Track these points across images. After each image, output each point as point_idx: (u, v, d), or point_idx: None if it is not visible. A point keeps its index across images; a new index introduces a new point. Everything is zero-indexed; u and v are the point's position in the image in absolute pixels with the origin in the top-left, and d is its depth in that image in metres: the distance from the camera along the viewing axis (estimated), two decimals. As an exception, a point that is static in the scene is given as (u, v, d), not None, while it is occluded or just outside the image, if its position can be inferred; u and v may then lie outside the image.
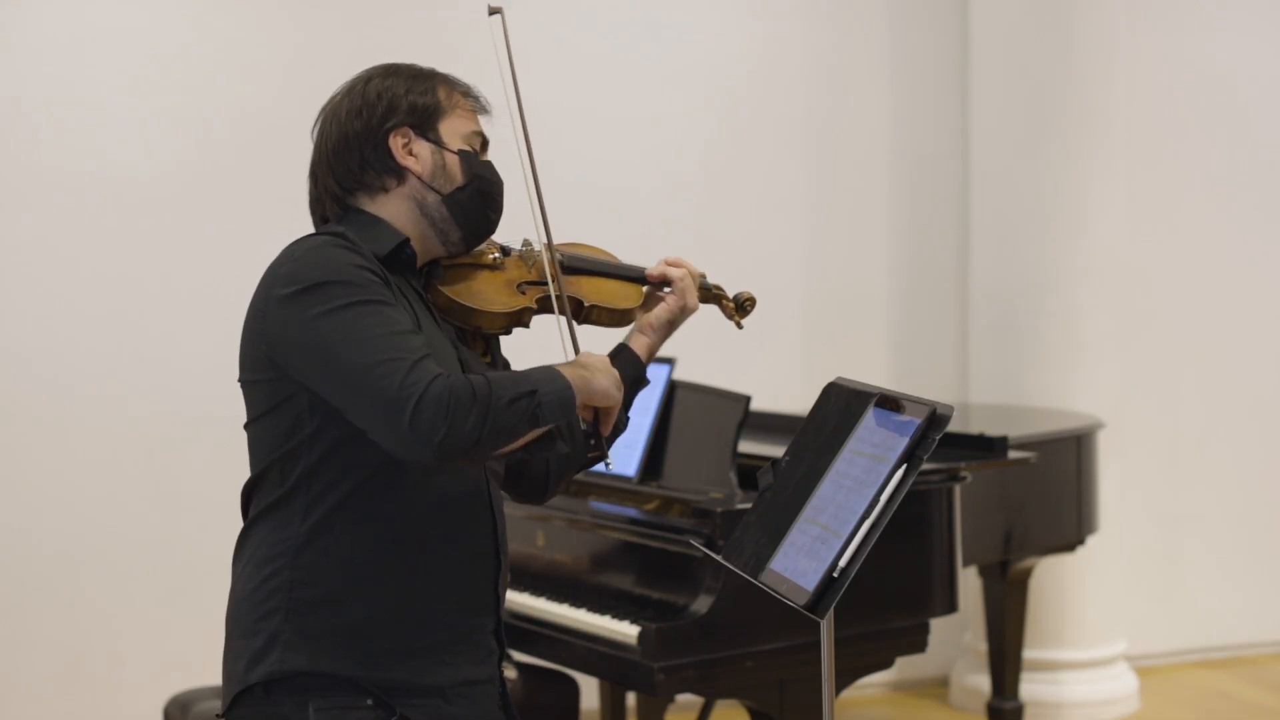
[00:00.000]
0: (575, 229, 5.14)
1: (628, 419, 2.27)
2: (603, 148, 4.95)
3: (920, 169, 5.41)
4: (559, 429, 2.02)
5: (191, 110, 4.52)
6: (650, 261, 2.38)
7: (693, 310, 2.32)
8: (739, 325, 2.45)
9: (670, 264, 2.32)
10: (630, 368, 2.25)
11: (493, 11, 2.20)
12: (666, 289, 2.31)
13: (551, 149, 4.75)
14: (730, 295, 2.43)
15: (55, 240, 4.41)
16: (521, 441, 1.98)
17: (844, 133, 5.31)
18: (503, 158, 2.24)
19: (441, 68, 2.29)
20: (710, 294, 2.41)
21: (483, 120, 2.23)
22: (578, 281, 2.26)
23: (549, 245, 2.20)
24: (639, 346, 2.29)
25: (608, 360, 2.13)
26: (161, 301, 4.48)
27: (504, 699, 2.20)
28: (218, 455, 4.42)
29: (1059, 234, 4.99)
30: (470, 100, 2.22)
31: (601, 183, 4.93)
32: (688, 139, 5.09)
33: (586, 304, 2.25)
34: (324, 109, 2.19)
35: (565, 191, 4.73)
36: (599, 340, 2.35)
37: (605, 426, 2.12)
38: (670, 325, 2.31)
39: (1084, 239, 4.99)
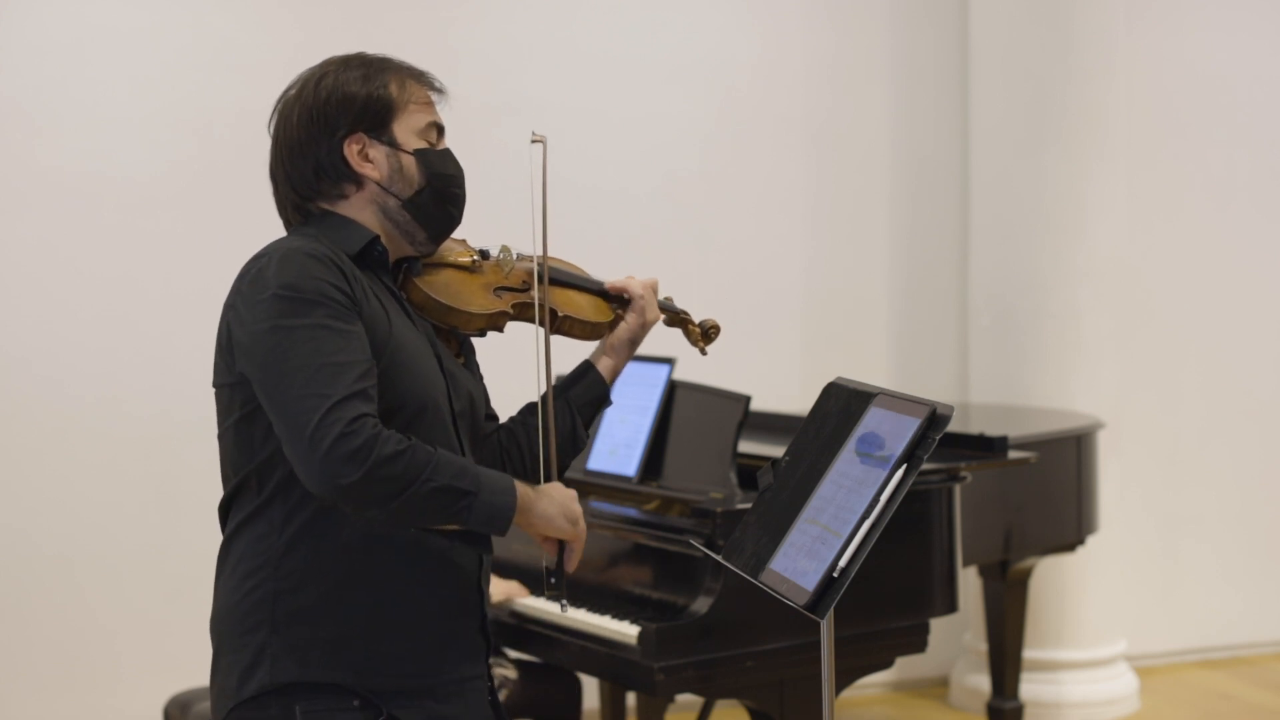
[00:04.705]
0: (575, 229, 5.15)
1: (586, 436, 2.31)
2: (603, 147, 4.95)
3: (920, 169, 5.41)
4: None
5: (191, 110, 4.52)
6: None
7: (653, 323, 2.35)
8: (703, 352, 2.47)
9: (630, 279, 2.35)
10: (594, 388, 2.31)
11: (535, 140, 2.20)
12: (628, 306, 2.33)
13: (552, 149, 4.75)
14: (696, 321, 2.44)
15: (55, 240, 4.40)
16: (440, 528, 2.00)
17: (844, 133, 5.31)
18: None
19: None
20: (677, 317, 2.43)
21: (435, 99, 2.18)
22: (552, 292, 2.27)
23: (544, 257, 2.21)
24: (603, 368, 2.32)
25: (573, 495, 2.12)
26: (161, 302, 4.48)
27: (492, 695, 2.21)
28: (216, 456, 4.41)
29: (1059, 234, 4.99)
30: (423, 88, 2.17)
31: (601, 182, 4.93)
32: (688, 139, 5.09)
33: (560, 315, 2.26)
34: (277, 104, 2.15)
35: (566, 191, 4.74)
36: (566, 352, 2.36)
37: (570, 565, 2.13)
38: (632, 344, 2.34)
39: (1084, 239, 4.99)
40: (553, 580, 2.14)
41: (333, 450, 1.86)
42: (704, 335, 2.44)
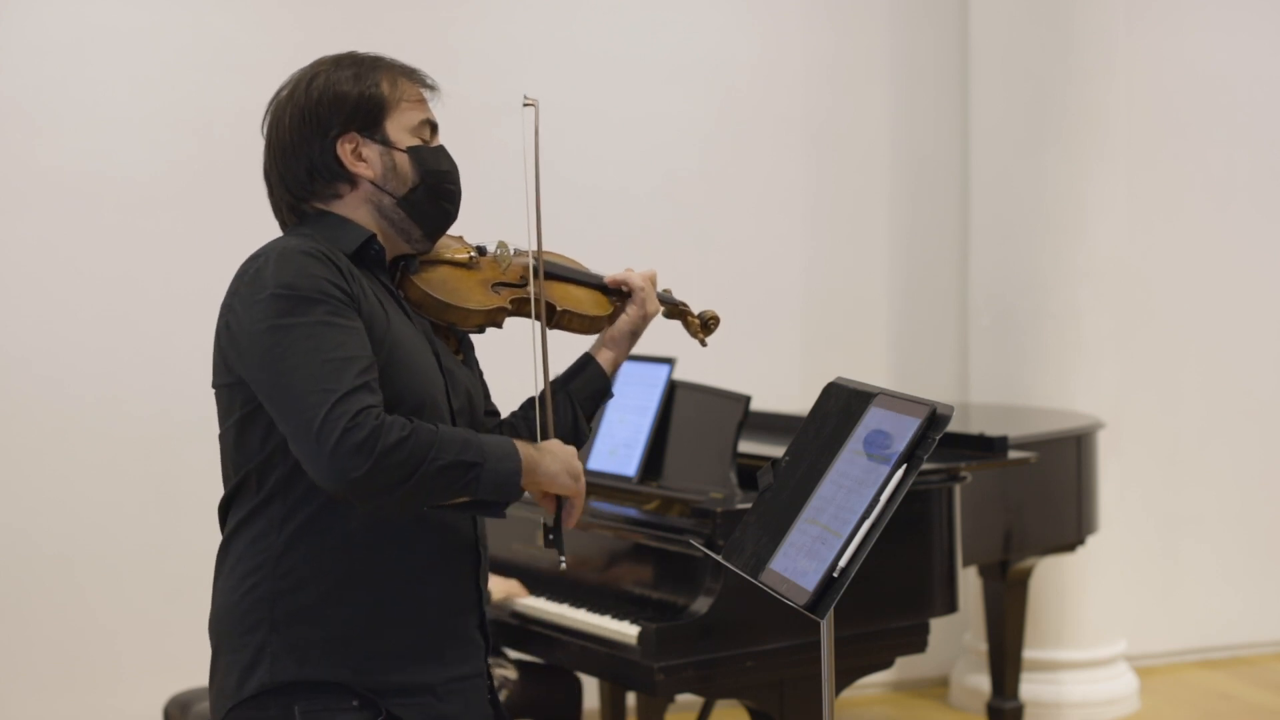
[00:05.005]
0: (575, 229, 5.13)
1: (589, 429, 2.31)
2: (603, 147, 4.96)
3: (920, 169, 5.41)
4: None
5: (191, 110, 4.52)
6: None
7: (653, 315, 2.35)
8: (703, 343, 2.46)
9: (629, 271, 2.35)
10: (595, 381, 2.30)
11: (527, 103, 2.19)
12: (627, 299, 2.33)
13: (552, 148, 4.77)
14: (695, 312, 2.43)
15: (55, 240, 4.41)
16: (453, 503, 2.00)
17: (844, 133, 5.31)
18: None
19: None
20: (676, 309, 2.43)
21: (428, 96, 2.18)
22: (550, 286, 2.26)
23: (539, 252, 2.20)
24: (604, 360, 2.32)
25: (573, 452, 2.13)
26: (161, 302, 4.49)
27: (491, 693, 2.21)
28: (216, 456, 4.41)
29: (1059, 234, 4.99)
30: (415, 85, 2.16)
31: (601, 182, 4.93)
32: (688, 139, 5.09)
33: (558, 309, 2.25)
34: (270, 105, 2.14)
35: (565, 191, 4.74)
36: (568, 347, 2.36)
37: (569, 521, 2.13)
38: (633, 336, 2.33)
39: (1084, 239, 4.99)
40: (551, 537, 2.14)
41: (340, 445, 1.85)
42: (703, 326, 2.44)
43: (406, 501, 1.94)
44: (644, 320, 2.33)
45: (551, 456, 2.08)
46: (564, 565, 2.17)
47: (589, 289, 2.33)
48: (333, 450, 1.86)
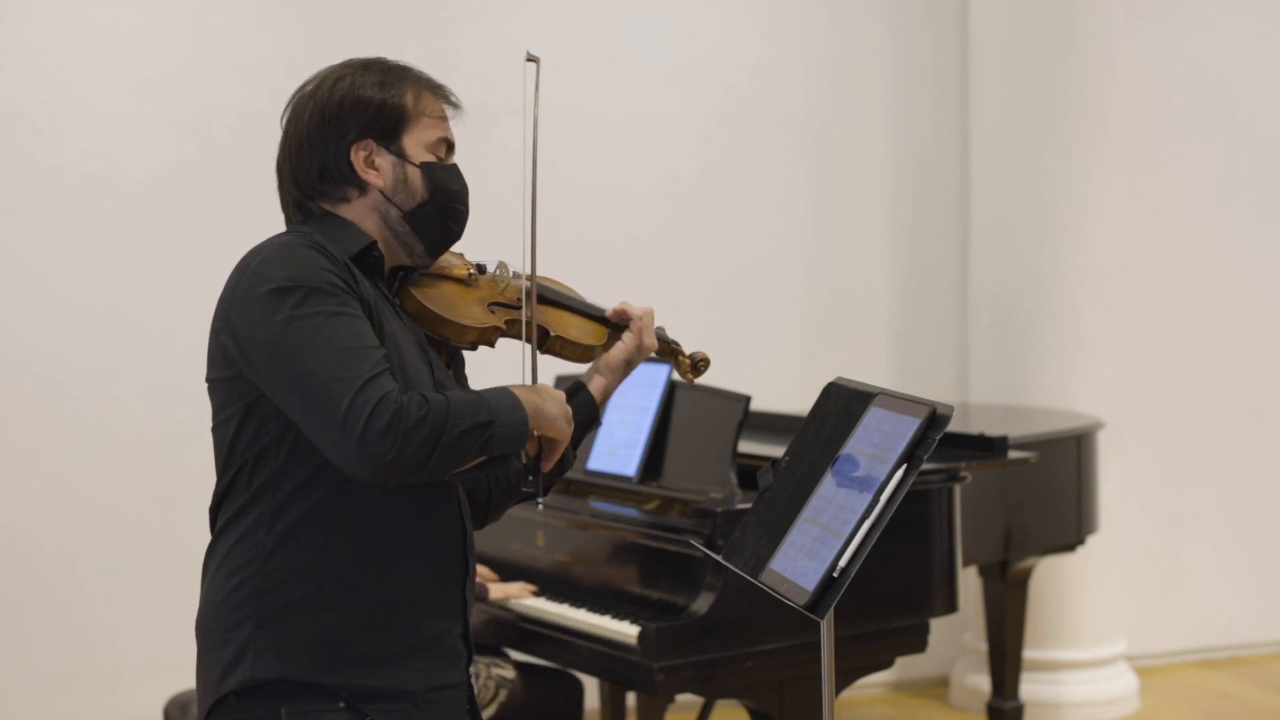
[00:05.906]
0: (575, 229, 5.12)
1: (574, 456, 2.28)
2: (603, 147, 4.95)
3: (920, 169, 5.41)
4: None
5: (191, 110, 4.52)
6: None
7: (649, 350, 2.34)
8: (691, 384, 2.47)
9: (627, 303, 2.35)
10: (584, 408, 2.28)
11: (530, 59, 2.19)
12: (625, 330, 2.32)
13: (552, 148, 4.77)
14: (686, 353, 2.44)
15: (55, 240, 4.41)
16: (471, 464, 2.00)
17: (844, 133, 5.31)
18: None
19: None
20: (668, 348, 2.44)
21: (450, 113, 2.18)
22: (545, 312, 2.27)
23: (532, 275, 2.20)
24: (595, 387, 2.31)
25: (563, 396, 2.13)
26: (161, 302, 4.49)
27: (471, 704, 2.20)
28: (218, 455, 4.42)
29: (1059, 234, 4.99)
30: (439, 100, 2.17)
31: (601, 182, 4.93)
32: (688, 139, 5.09)
33: (552, 334, 2.26)
34: (292, 99, 2.15)
35: (565, 191, 4.74)
36: (557, 372, 2.36)
37: (547, 463, 2.13)
38: (627, 365, 2.33)
39: (1084, 239, 5.00)
40: (530, 478, 2.15)
41: (367, 432, 1.86)
42: (693, 367, 2.45)
43: (429, 474, 1.95)
44: (639, 351, 2.32)
45: (551, 400, 2.09)
46: (540, 506, 2.18)
47: (585, 318, 2.33)
48: (360, 438, 1.86)
